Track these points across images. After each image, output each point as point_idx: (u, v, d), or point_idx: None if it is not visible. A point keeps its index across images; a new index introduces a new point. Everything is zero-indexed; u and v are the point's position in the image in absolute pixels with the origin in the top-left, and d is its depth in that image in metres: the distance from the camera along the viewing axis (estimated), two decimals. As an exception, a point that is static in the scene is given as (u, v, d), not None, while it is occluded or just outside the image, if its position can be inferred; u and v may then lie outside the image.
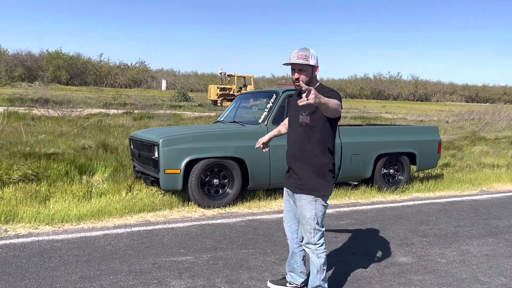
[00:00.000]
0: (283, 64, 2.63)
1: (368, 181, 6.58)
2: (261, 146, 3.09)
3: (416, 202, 6.10)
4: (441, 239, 4.47)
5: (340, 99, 2.57)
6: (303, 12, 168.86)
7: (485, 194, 6.89)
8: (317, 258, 2.76)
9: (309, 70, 2.64)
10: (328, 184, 2.71)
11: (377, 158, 6.44)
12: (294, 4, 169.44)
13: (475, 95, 72.43)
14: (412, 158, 6.81)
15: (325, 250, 2.79)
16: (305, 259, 3.06)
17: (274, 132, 3.13)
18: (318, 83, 2.72)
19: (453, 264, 3.78)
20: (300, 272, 3.05)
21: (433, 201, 6.24)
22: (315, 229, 2.72)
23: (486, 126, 17.27)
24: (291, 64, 2.63)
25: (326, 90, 2.64)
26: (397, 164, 6.75)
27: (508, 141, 12.95)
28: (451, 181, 7.51)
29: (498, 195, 6.85)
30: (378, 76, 74.33)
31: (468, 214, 5.55)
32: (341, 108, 2.54)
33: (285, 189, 2.94)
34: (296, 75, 2.63)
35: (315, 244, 2.75)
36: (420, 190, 6.85)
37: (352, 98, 62.09)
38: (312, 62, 2.62)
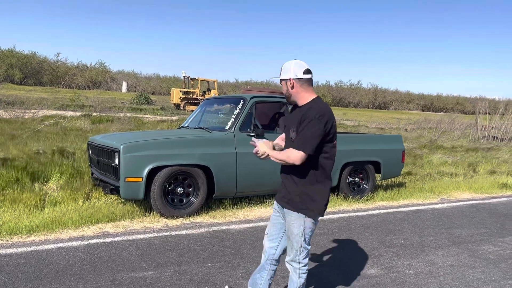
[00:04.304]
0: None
1: (334, 190, 6.56)
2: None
3: (381, 211, 6.13)
4: (408, 250, 4.47)
5: (313, 132, 2.40)
6: (267, 17, 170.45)
7: (446, 202, 7.05)
8: (298, 277, 2.62)
9: (284, 85, 2.62)
10: (318, 203, 2.55)
11: (343, 166, 6.44)
12: (258, 8, 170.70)
13: (430, 104, 75.30)
14: (377, 166, 6.86)
15: (307, 270, 2.66)
16: (272, 281, 2.85)
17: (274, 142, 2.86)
18: (312, 98, 2.54)
19: (420, 276, 3.77)
20: None
21: (397, 209, 6.29)
22: (301, 246, 2.58)
23: (442, 134, 17.90)
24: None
25: (309, 112, 2.44)
26: (362, 173, 6.78)
27: (463, 150, 13.45)
28: (414, 190, 7.64)
29: (458, 203, 7.01)
30: (339, 84, 75.83)
31: (431, 223, 5.62)
32: (304, 149, 2.39)
33: (275, 201, 2.80)
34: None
35: (300, 262, 2.61)
36: (384, 198, 6.91)
37: (314, 104, 63.09)
38: (283, 76, 2.57)
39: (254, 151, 2.56)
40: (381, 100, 72.18)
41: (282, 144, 2.80)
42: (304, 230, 2.56)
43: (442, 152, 12.75)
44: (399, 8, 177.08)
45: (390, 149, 6.94)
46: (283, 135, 2.83)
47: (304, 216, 2.54)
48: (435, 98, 78.01)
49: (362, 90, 74.04)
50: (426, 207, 6.61)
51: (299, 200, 2.53)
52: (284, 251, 2.77)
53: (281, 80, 2.60)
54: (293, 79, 2.53)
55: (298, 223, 2.55)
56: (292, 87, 2.54)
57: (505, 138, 17.02)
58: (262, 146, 2.54)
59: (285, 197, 2.61)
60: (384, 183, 8.05)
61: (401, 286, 3.53)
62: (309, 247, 2.64)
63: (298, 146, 2.42)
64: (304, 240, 2.58)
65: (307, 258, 2.64)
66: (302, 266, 2.62)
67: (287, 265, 2.67)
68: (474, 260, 4.26)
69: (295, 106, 2.65)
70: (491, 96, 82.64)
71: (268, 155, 2.52)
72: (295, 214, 2.55)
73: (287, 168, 2.57)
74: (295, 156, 2.42)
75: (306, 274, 2.64)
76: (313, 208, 2.53)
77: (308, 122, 2.42)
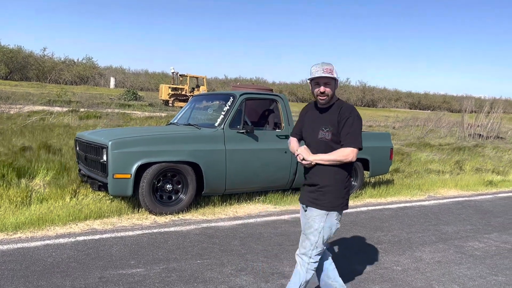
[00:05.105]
0: (308, 79, 2.59)
1: (322, 187, 6.58)
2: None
3: (369, 208, 6.18)
4: (395, 246, 4.52)
5: (360, 129, 2.55)
6: (256, 13, 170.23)
7: (433, 199, 7.13)
8: (305, 272, 2.64)
9: (333, 84, 2.62)
10: (343, 200, 2.63)
11: (332, 163, 6.45)
12: (247, 5, 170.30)
13: (418, 102, 75.91)
14: (365, 164, 6.90)
15: (315, 268, 2.68)
16: (333, 260, 2.88)
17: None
18: (337, 98, 2.68)
19: (408, 272, 3.81)
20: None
21: (385, 206, 6.35)
22: (317, 242, 2.61)
23: (430, 132, 18.09)
24: (317, 78, 2.58)
25: (345, 111, 2.57)
26: (351, 170, 6.81)
27: (450, 148, 13.61)
28: (401, 187, 7.71)
29: (445, 200, 7.10)
30: (328, 81, 75.87)
31: (418, 220, 5.69)
32: (358, 145, 2.52)
33: (300, 204, 2.83)
34: (322, 89, 2.59)
35: (311, 257, 2.63)
36: (372, 195, 6.96)
37: (303, 102, 63.20)
38: (335, 76, 2.60)
39: (304, 163, 2.62)
40: (369, 98, 72.57)
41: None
42: (323, 227, 2.60)
43: (430, 150, 12.89)
44: (390, 6, 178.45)
45: (379, 146, 6.99)
46: (294, 140, 2.83)
47: (326, 213, 2.58)
48: (423, 96, 78.68)
49: (350, 87, 74.31)
50: (413, 204, 6.68)
51: (327, 199, 2.57)
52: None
53: (331, 78, 2.58)
54: (338, 80, 2.65)
55: (320, 219, 2.60)
56: (336, 87, 2.64)
57: (490, 136, 17.28)
58: (305, 152, 2.60)
59: (311, 196, 2.65)
60: (372, 180, 8.11)
61: (389, 282, 3.57)
62: (324, 248, 2.67)
63: (351, 143, 2.52)
64: (323, 236, 2.61)
65: (319, 257, 2.67)
66: (312, 262, 2.65)
67: (297, 258, 2.71)
68: (461, 256, 4.32)
69: (314, 106, 2.72)
70: (477, 94, 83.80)
71: (311, 160, 2.57)
72: (318, 210, 2.60)
73: (321, 168, 2.59)
74: (349, 154, 2.51)
75: (313, 272, 2.66)
76: (339, 204, 2.60)
77: (353, 119, 2.55)
